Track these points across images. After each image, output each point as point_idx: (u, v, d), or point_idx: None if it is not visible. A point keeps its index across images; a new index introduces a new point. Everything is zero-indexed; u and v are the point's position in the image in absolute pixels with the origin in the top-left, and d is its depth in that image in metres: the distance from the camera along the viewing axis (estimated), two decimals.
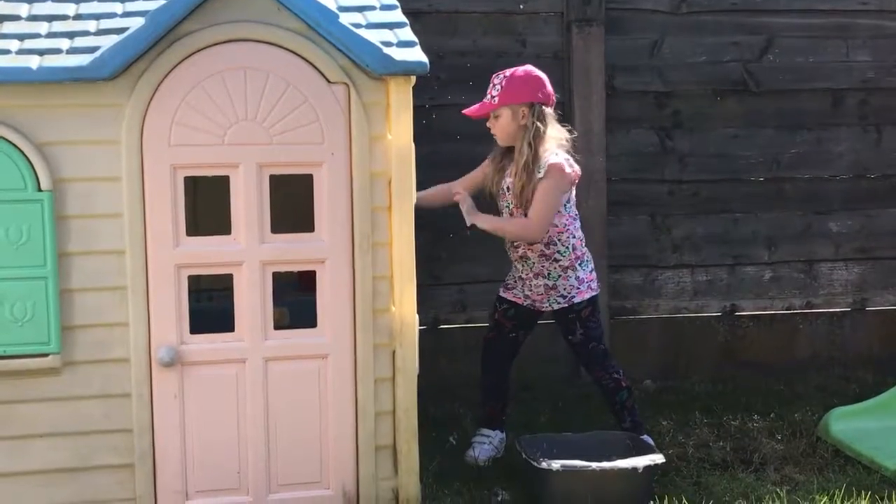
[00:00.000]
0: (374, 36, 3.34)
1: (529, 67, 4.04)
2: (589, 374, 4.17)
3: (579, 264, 4.03)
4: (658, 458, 3.64)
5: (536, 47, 5.02)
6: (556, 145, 3.97)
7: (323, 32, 3.29)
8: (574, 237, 4.02)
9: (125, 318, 3.26)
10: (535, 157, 3.91)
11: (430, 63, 3.34)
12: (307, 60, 3.31)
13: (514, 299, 4.14)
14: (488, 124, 4.05)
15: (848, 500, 3.63)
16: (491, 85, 4.01)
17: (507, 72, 4.00)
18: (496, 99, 3.97)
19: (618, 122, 5.12)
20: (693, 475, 3.92)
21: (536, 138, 3.93)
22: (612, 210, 5.11)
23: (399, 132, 3.36)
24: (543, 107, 3.98)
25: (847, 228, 5.36)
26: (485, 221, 3.98)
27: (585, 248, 4.08)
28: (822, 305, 5.38)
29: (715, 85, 5.21)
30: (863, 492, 3.68)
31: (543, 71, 5.00)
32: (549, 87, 4.02)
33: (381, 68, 3.29)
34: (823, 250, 5.36)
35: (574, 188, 4.03)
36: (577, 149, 4.96)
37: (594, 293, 4.07)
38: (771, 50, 5.24)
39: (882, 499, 3.64)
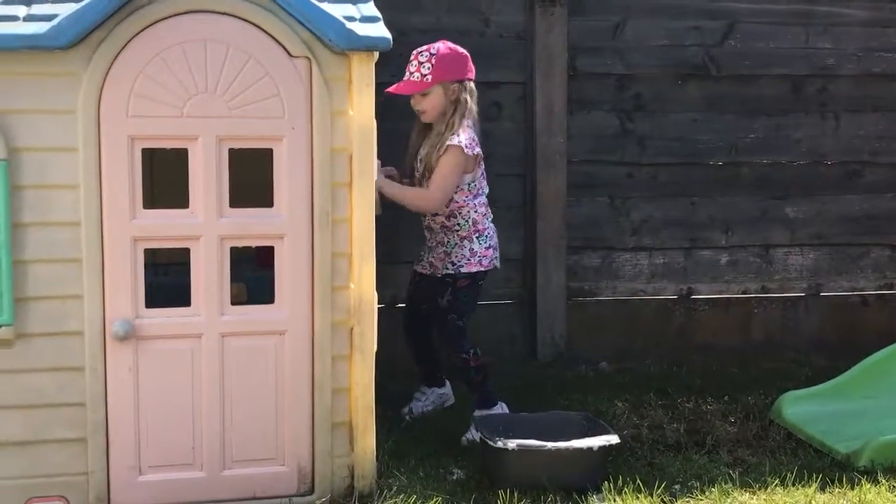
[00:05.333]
0: (337, 10, 3.31)
1: (449, 43, 4.14)
2: (440, 347, 4.27)
3: (477, 237, 4.16)
4: (613, 439, 3.66)
5: (499, 27, 5.01)
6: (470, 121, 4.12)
7: (285, 5, 3.25)
8: (476, 212, 4.15)
9: (80, 291, 3.22)
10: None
11: (393, 40, 3.31)
12: (269, 33, 3.27)
13: (421, 270, 4.28)
14: (414, 102, 4.11)
15: (799, 483, 3.67)
16: (416, 63, 4.08)
17: (432, 49, 4.09)
18: (429, 77, 4.05)
19: (579, 103, 5.12)
20: (647, 456, 3.95)
21: (468, 114, 4.08)
22: (572, 191, 5.12)
23: (361, 108, 3.34)
24: (470, 83, 4.12)
25: (803, 214, 5.40)
26: (390, 187, 4.04)
27: (490, 225, 4.21)
28: (776, 290, 5.42)
29: (676, 69, 5.22)
30: (814, 474, 3.72)
31: (506, 50, 5.01)
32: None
33: (343, 43, 3.27)
34: (779, 235, 5.40)
35: (479, 169, 4.15)
36: (538, 129, 5.02)
37: (482, 269, 4.18)
38: (732, 35, 5.25)
39: (833, 481, 3.68)
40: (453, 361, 4.17)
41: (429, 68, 4.05)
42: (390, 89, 4.09)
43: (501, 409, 4.18)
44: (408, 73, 4.10)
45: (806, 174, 5.39)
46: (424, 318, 4.33)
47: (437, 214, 4.14)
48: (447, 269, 4.16)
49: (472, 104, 4.10)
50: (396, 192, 4.06)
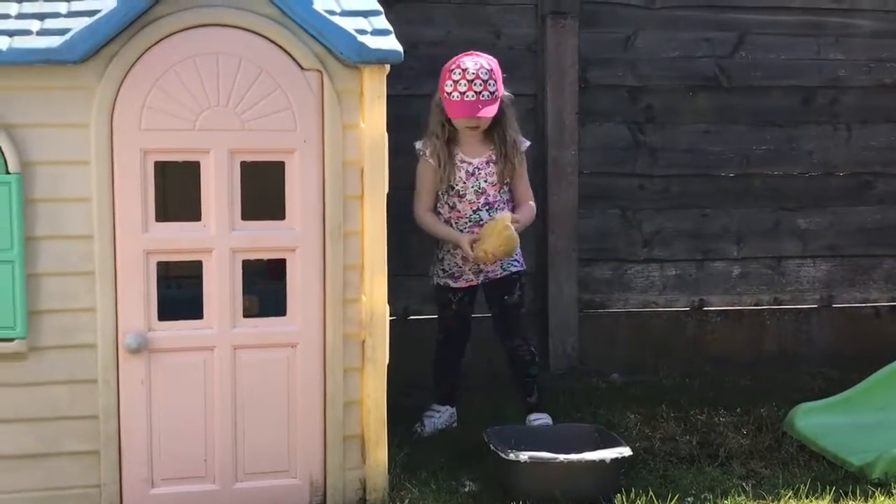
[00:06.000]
0: (349, 23, 3.32)
1: (482, 54, 4.20)
2: (507, 341, 4.27)
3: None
4: (625, 451, 3.65)
5: (510, 39, 5.01)
6: None
7: (297, 19, 3.27)
8: None
9: (92, 304, 3.24)
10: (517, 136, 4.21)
11: (404, 53, 3.32)
12: (280, 47, 3.29)
13: (467, 284, 4.24)
14: (473, 122, 4.11)
15: (813, 495, 3.65)
16: (480, 82, 4.05)
17: (485, 64, 4.10)
18: (497, 93, 4.11)
19: (590, 115, 5.11)
20: (660, 468, 3.93)
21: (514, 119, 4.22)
22: (583, 203, 5.11)
23: (372, 121, 3.35)
24: None
25: (815, 226, 5.38)
26: (523, 217, 4.20)
27: None
28: (789, 302, 5.40)
29: (687, 80, 5.21)
30: (827, 487, 3.71)
31: (517, 63, 5.02)
32: None
33: (355, 56, 3.28)
34: (792, 247, 5.38)
35: None
36: (549, 141, 5.03)
37: None
38: (743, 46, 5.24)
39: (846, 494, 3.67)
40: (521, 354, 4.26)
41: (494, 85, 4.08)
42: (483, 114, 4.06)
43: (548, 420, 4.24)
44: (473, 94, 4.03)
45: (818, 185, 5.37)
46: (468, 332, 4.33)
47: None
48: (514, 265, 4.24)
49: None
50: (524, 221, 4.21)
